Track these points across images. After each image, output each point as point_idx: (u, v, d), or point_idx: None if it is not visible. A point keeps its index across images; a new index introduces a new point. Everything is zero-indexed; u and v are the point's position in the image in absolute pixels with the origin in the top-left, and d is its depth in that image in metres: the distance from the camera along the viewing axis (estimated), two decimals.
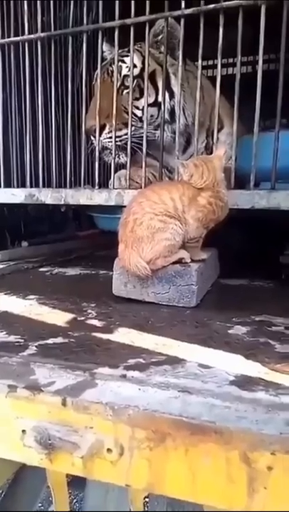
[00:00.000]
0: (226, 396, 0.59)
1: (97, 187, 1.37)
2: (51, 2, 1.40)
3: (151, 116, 1.47)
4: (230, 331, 0.87)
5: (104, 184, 1.51)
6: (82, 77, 1.42)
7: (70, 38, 1.36)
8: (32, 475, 1.29)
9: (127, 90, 1.46)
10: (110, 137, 1.41)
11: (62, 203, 1.40)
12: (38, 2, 1.39)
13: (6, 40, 1.47)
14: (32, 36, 1.40)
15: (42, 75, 1.42)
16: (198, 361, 0.71)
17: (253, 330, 0.87)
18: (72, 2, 1.38)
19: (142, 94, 1.43)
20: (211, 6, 1.15)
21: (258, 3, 1.12)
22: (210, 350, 0.76)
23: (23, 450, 0.62)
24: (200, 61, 1.23)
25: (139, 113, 1.49)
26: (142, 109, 1.43)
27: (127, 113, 1.38)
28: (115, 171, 1.39)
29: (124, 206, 1.32)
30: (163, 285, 1.05)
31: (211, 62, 2.02)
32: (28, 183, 1.47)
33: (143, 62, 1.42)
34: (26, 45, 1.42)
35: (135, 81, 1.42)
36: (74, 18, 1.38)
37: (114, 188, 1.35)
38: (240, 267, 1.52)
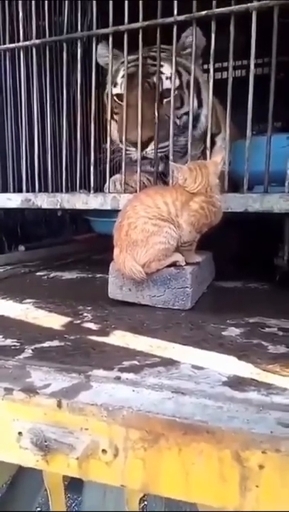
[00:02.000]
0: (218, 396, 0.60)
1: (92, 191, 1.38)
2: (46, 8, 1.42)
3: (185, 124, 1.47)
4: (224, 333, 0.88)
5: (99, 189, 1.51)
6: (77, 82, 1.43)
7: (65, 45, 1.38)
8: (29, 477, 1.29)
9: (167, 100, 1.47)
10: (160, 147, 1.39)
11: (58, 207, 1.41)
12: (33, 9, 1.41)
13: (2, 47, 1.48)
14: (27, 43, 1.42)
15: (38, 81, 1.44)
16: (191, 363, 0.72)
17: (246, 331, 0.89)
18: (66, 8, 1.39)
19: (182, 104, 1.45)
20: (203, 12, 1.17)
21: (249, 8, 1.14)
22: (204, 351, 0.77)
23: (19, 452, 0.63)
24: (193, 66, 1.25)
25: (178, 122, 1.51)
26: (180, 118, 1.47)
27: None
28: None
29: (120, 210, 1.34)
30: (158, 288, 1.07)
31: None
32: (24, 188, 1.49)
33: (177, 71, 1.45)
34: (22, 51, 1.44)
35: (176, 91, 1.43)
36: (69, 24, 1.40)
37: (109, 192, 1.36)
38: (234, 269, 1.54)
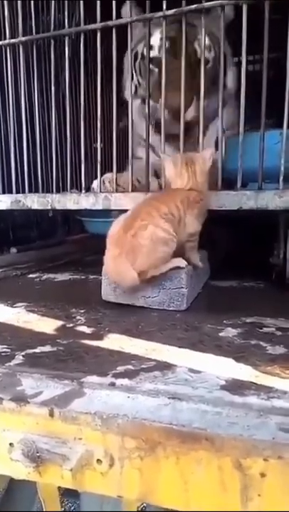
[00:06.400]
0: (216, 401, 0.57)
1: (84, 191, 1.36)
2: (32, 6, 1.39)
3: None
4: (221, 334, 0.86)
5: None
6: (66, 80, 1.40)
7: (53, 42, 1.35)
8: (25, 486, 1.26)
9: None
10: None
11: (49, 208, 1.38)
12: (19, 6, 1.38)
13: None
14: (13, 40, 1.39)
15: (25, 79, 1.41)
16: (188, 366, 0.70)
17: (243, 332, 0.86)
18: (54, 5, 1.36)
19: None
20: (193, 6, 1.15)
21: (239, 2, 1.12)
22: (200, 354, 0.75)
23: (10, 464, 0.61)
24: (183, 62, 1.22)
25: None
26: None
27: None
28: None
29: (112, 210, 1.31)
30: (153, 289, 1.04)
31: None
32: (13, 189, 1.45)
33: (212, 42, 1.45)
34: (8, 49, 1.40)
35: (211, 63, 1.44)
36: (57, 22, 1.36)
37: (100, 191, 1.34)
38: (230, 268, 1.52)
